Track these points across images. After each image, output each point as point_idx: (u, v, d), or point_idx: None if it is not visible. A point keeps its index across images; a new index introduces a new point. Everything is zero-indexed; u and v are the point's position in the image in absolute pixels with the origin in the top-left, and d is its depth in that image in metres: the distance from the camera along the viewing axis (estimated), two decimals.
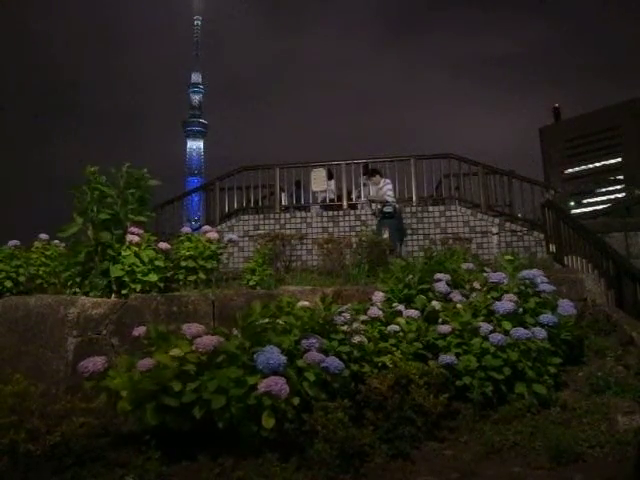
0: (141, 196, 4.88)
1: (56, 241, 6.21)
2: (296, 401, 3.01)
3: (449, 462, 3.12)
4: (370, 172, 9.05)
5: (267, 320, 3.37)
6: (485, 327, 3.91)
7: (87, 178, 4.65)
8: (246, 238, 9.24)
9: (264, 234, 8.38)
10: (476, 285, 4.58)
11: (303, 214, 9.89)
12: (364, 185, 9.84)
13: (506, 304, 4.04)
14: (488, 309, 4.17)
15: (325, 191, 10.27)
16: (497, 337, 3.78)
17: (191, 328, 3.32)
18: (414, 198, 9.58)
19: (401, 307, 4.30)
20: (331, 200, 10.15)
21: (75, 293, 4.68)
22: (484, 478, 2.91)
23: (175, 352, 3.13)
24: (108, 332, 4.13)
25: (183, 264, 5.27)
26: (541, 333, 3.87)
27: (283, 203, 10.26)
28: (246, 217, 9.83)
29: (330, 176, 10.21)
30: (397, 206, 8.64)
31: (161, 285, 4.80)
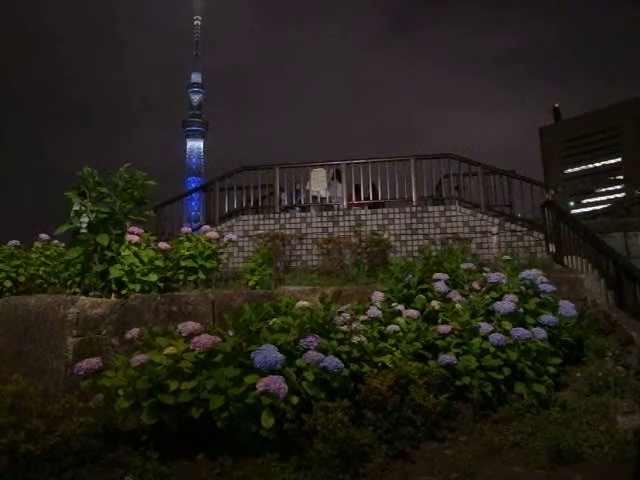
0: (140, 196, 4.88)
1: (56, 241, 6.22)
2: (295, 400, 3.01)
3: (449, 462, 3.11)
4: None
5: (258, 319, 3.37)
6: (485, 327, 3.91)
7: (85, 179, 4.66)
8: (246, 238, 9.23)
9: (264, 234, 8.36)
10: (475, 285, 4.58)
11: (303, 214, 9.88)
12: (329, 185, 10.19)
13: (507, 304, 4.04)
14: (487, 309, 4.18)
15: (326, 190, 10.25)
16: (497, 337, 3.78)
17: (187, 326, 3.33)
18: (414, 198, 9.56)
19: (401, 307, 4.30)
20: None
21: (75, 293, 4.68)
22: (484, 478, 2.91)
23: (170, 350, 3.13)
24: (108, 332, 4.13)
25: (183, 264, 5.27)
26: (541, 333, 3.87)
27: (283, 203, 10.25)
28: (246, 217, 9.81)
29: (339, 178, 10.16)
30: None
31: (161, 285, 4.80)
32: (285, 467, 2.90)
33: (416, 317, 4.13)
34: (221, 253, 5.72)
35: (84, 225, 8.70)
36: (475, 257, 6.29)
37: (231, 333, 3.35)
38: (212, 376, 3.06)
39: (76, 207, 9.35)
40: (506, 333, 3.86)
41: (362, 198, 9.80)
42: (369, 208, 9.79)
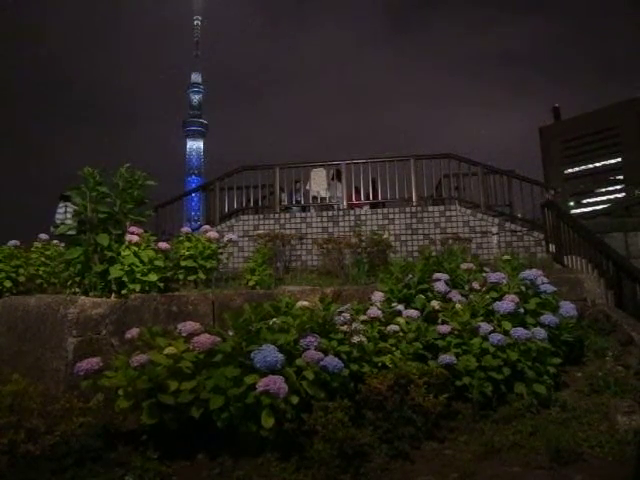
0: (140, 196, 4.88)
1: (55, 241, 6.23)
2: (295, 400, 3.01)
3: (449, 462, 3.11)
4: (61, 197, 9.64)
5: (258, 319, 3.38)
6: (484, 327, 3.91)
7: (85, 179, 4.66)
8: (246, 238, 9.24)
9: (264, 234, 8.37)
10: (475, 285, 4.58)
11: (303, 214, 9.89)
12: (329, 186, 10.21)
13: (507, 304, 4.04)
14: (487, 309, 4.17)
15: (326, 190, 10.27)
16: (497, 337, 3.77)
17: (187, 326, 3.33)
18: (414, 198, 9.57)
19: (400, 307, 4.30)
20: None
21: (75, 293, 4.69)
22: (484, 478, 2.91)
23: (169, 350, 3.13)
24: (108, 332, 4.13)
25: (183, 264, 5.28)
26: (541, 333, 3.87)
27: (283, 203, 10.25)
28: (246, 217, 9.82)
29: (339, 178, 10.18)
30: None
31: (161, 285, 4.81)
32: (285, 467, 2.90)
33: (416, 317, 4.13)
34: (221, 253, 5.73)
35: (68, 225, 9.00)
36: (475, 257, 6.29)
37: (231, 333, 3.36)
38: (212, 376, 3.06)
39: (61, 209, 9.77)
40: (506, 333, 3.86)
41: (362, 198, 9.81)
42: (371, 207, 9.79)
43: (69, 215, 9.55)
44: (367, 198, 9.83)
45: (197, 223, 16.15)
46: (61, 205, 9.79)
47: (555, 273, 5.83)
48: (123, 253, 4.60)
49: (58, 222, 9.56)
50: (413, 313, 4.16)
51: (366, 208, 9.77)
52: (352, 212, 9.54)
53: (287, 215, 9.78)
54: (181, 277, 5.25)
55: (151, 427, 3.10)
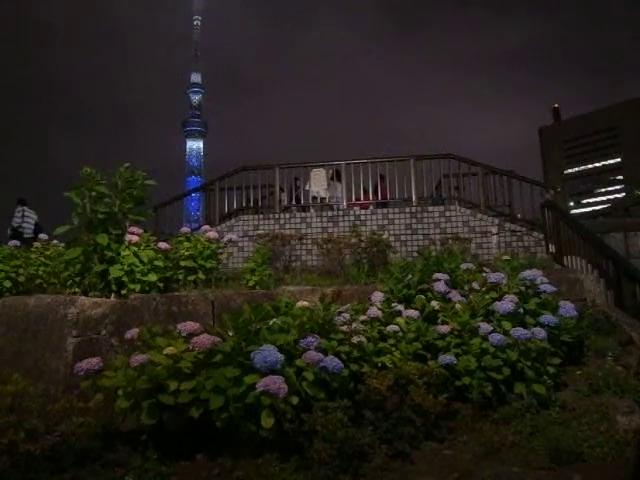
0: (139, 196, 4.87)
1: (55, 241, 6.22)
2: (295, 400, 3.01)
3: (449, 462, 3.12)
4: (19, 201, 10.14)
5: (258, 319, 3.38)
6: (484, 327, 3.91)
7: (84, 178, 4.65)
8: (246, 238, 9.24)
9: (264, 234, 8.37)
10: (475, 285, 4.58)
11: (303, 214, 9.89)
12: (328, 186, 10.23)
13: (506, 304, 4.04)
14: (487, 309, 4.18)
15: (326, 190, 10.28)
16: (496, 337, 3.78)
17: (186, 326, 3.33)
18: (414, 198, 9.57)
19: (400, 307, 4.31)
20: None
21: (75, 293, 4.68)
22: (483, 478, 2.91)
23: (169, 350, 3.13)
24: (107, 332, 4.13)
25: (182, 264, 5.28)
26: (540, 333, 3.87)
27: (283, 203, 10.26)
28: (246, 217, 9.82)
29: (339, 178, 10.18)
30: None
31: (161, 285, 4.80)
32: (285, 467, 2.90)
33: (416, 317, 4.14)
34: (221, 253, 5.73)
35: (27, 230, 9.53)
36: (475, 257, 6.30)
37: (231, 333, 3.36)
38: (212, 376, 3.06)
39: (18, 213, 10.12)
40: (506, 333, 3.86)
41: (370, 198, 9.81)
42: (377, 206, 9.79)
43: (26, 219, 9.91)
44: (375, 195, 9.83)
45: (197, 223, 16.15)
46: (18, 209, 10.02)
47: (555, 273, 5.83)
48: (123, 253, 4.59)
49: (15, 225, 9.81)
50: (413, 313, 4.16)
51: (371, 208, 9.77)
52: (352, 212, 9.54)
53: (287, 215, 9.79)
54: (181, 277, 5.25)
55: (151, 427, 3.10)
